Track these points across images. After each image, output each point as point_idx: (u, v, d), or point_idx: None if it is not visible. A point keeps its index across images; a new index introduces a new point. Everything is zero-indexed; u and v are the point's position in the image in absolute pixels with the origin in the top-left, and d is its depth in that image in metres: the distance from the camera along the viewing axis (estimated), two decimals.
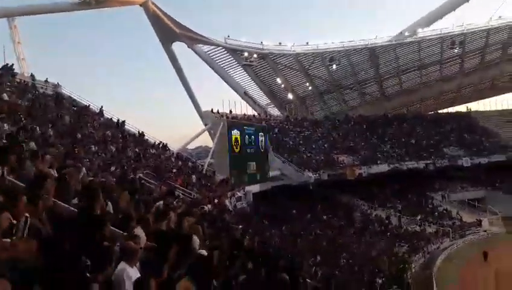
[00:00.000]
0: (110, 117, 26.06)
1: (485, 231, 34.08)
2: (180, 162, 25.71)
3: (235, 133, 31.52)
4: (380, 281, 21.87)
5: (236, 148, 31.22)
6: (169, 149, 27.20)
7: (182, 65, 40.94)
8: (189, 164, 27.66)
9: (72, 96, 26.59)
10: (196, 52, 40.34)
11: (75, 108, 24.43)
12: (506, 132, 48.08)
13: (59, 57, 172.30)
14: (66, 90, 26.89)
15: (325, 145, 41.85)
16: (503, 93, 54.81)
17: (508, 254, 24.65)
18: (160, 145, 26.35)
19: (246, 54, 39.81)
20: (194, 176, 22.45)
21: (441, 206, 38.02)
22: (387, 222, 33.99)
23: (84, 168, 7.64)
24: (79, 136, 18.17)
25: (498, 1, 43.64)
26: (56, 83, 26.88)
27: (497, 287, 20.56)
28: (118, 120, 25.63)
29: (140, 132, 26.19)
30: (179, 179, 20.49)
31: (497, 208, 36.90)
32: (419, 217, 34.73)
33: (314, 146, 41.23)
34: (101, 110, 25.83)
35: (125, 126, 25.81)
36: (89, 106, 25.84)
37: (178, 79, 41.37)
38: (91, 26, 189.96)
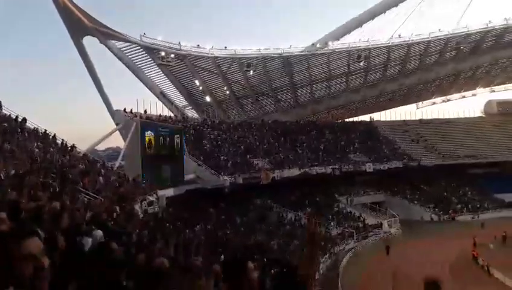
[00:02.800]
0: (8, 113, 23.40)
1: (385, 232, 37.22)
2: (87, 164, 23.98)
3: (149, 134, 30.44)
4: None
5: (150, 150, 30.17)
6: (75, 149, 25.25)
7: (93, 61, 38.62)
8: (98, 165, 25.95)
9: None
10: (109, 49, 38.32)
11: None
12: (403, 141, 53.24)
13: None
14: None
15: (241, 149, 42.40)
16: (402, 105, 60.77)
17: (404, 250, 28.14)
18: (66, 145, 24.36)
19: (162, 53, 38.78)
20: (101, 178, 21.09)
21: (346, 209, 40.67)
22: (297, 224, 35.39)
23: None
24: None
25: (399, 21, 48.34)
26: None
27: (394, 286, 22.46)
28: (17, 116, 23.16)
29: (44, 130, 23.94)
30: (84, 181, 19.10)
31: (395, 211, 40.57)
32: (325, 220, 36.67)
33: (230, 149, 41.53)
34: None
35: (27, 124, 23.39)
36: None
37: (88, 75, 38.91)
38: None
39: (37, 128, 23.37)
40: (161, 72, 42.35)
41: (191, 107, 49.10)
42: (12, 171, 11.36)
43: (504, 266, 23.65)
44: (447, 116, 59.61)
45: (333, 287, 22.64)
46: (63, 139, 24.38)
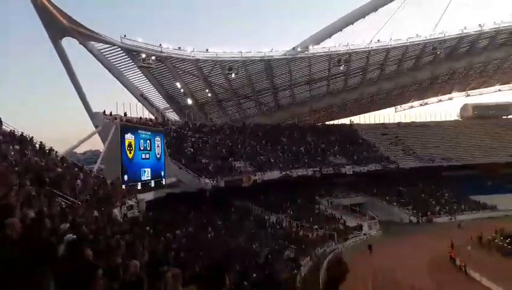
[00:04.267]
0: None
1: (365, 234, 37.67)
2: (65, 167, 23.48)
3: (129, 137, 30.03)
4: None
5: (130, 153, 29.77)
6: (53, 152, 24.71)
7: (72, 63, 37.87)
8: (76, 168, 25.46)
9: None
10: (88, 50, 37.67)
11: None
12: (382, 144, 54.14)
13: None
14: None
15: (223, 152, 42.30)
16: (381, 109, 61.79)
17: (384, 252, 28.84)
18: (44, 148, 23.82)
19: (143, 55, 38.37)
20: (79, 182, 20.69)
21: (326, 211, 41.02)
22: (278, 226, 35.50)
23: None
24: None
25: (377, 26, 49.19)
26: None
27: (373, 285, 22.76)
28: None
29: (21, 132, 23.35)
30: (62, 185, 18.69)
31: (375, 213, 41.14)
32: (306, 222, 36.88)
33: (211, 152, 41.37)
34: None
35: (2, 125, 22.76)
36: None
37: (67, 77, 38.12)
38: None
39: (13, 130, 22.79)
40: (142, 74, 41.87)
41: (172, 110, 48.74)
42: None
43: (480, 266, 24.28)
44: (424, 120, 61.00)
45: (315, 289, 22.75)
46: (41, 142, 23.86)
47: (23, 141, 22.55)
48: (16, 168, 16.65)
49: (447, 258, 28.02)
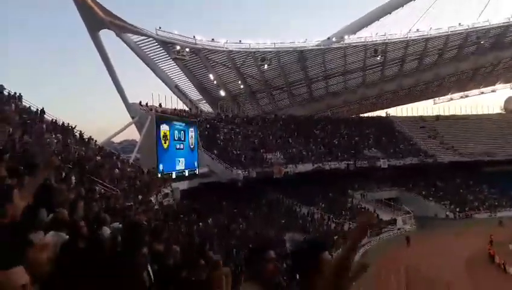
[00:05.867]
0: (28, 105, 23.93)
1: (399, 228, 36.89)
2: (102, 156, 24.36)
3: (164, 127, 30.78)
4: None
5: (165, 143, 30.51)
6: (92, 141, 25.70)
7: (109, 54, 39.02)
8: (114, 158, 26.37)
9: None
10: (125, 42, 38.69)
11: None
12: (419, 137, 52.52)
13: None
14: None
15: (255, 143, 42.46)
16: (418, 101, 59.93)
17: (419, 248, 27.97)
18: (83, 137, 24.81)
19: (177, 47, 38.95)
20: (117, 170, 21.43)
21: (360, 205, 40.41)
22: (310, 219, 35.35)
23: None
24: None
25: (416, 15, 47.48)
26: None
27: (407, 282, 22.31)
28: (37, 109, 23.68)
29: (62, 121, 24.41)
30: (101, 173, 19.42)
31: (410, 207, 40.14)
32: (339, 215, 36.52)
33: (243, 144, 41.63)
34: (20, 97, 23.61)
35: (45, 115, 23.86)
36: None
37: (105, 69, 39.34)
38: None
39: (55, 120, 23.81)
40: (176, 66, 42.59)
41: (205, 101, 49.31)
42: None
43: None
44: (465, 113, 58.56)
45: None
46: (80, 131, 24.81)
47: (65, 130, 23.56)
48: (59, 157, 17.44)
49: (486, 255, 27.01)
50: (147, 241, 5.46)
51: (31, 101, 23.86)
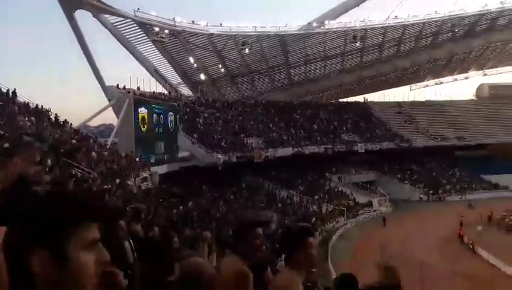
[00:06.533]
0: None
1: (375, 210, 37.91)
2: (79, 139, 23.95)
3: (143, 111, 30.44)
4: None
5: (144, 127, 30.21)
6: (68, 124, 25.18)
7: (86, 36, 37.89)
8: (91, 141, 25.96)
9: None
10: (102, 23, 37.62)
11: None
12: (395, 123, 53.64)
13: None
14: None
15: (235, 128, 42.50)
16: (395, 87, 60.98)
17: (394, 226, 29.45)
18: (58, 120, 24.27)
19: (156, 29, 38.21)
20: (94, 154, 21.15)
21: (337, 188, 41.23)
22: (289, 201, 35.91)
23: None
24: None
25: (395, 2, 47.88)
26: None
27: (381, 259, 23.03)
28: (8, 90, 22.97)
29: (36, 104, 23.79)
30: (77, 157, 19.13)
31: (385, 190, 41.22)
32: (317, 198, 37.21)
33: (224, 128, 41.60)
34: None
35: (18, 97, 23.20)
36: None
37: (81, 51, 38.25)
38: None
39: (28, 102, 23.22)
40: (155, 49, 41.84)
41: (185, 85, 48.81)
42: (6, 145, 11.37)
43: (489, 244, 24.36)
44: (439, 99, 60.02)
45: (323, 262, 23.19)
46: (56, 114, 24.28)
47: (39, 113, 23.01)
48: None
49: (456, 236, 28.17)
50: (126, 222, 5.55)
51: None
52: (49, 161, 14.16)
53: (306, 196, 36.96)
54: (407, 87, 61.98)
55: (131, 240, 4.40)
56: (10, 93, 22.87)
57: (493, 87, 61.22)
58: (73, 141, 21.87)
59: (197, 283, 1.84)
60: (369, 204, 38.46)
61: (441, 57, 54.23)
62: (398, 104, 57.91)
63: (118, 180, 18.86)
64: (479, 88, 62.65)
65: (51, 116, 24.16)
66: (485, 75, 63.21)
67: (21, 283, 0.78)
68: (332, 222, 33.14)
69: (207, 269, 1.99)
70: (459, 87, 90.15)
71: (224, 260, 2.76)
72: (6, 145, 13.23)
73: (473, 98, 62.89)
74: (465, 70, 61.74)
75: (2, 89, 23.03)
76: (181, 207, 26.27)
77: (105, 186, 15.72)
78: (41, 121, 21.88)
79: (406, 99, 59.50)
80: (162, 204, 22.19)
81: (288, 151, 41.01)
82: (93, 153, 21.79)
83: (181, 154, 34.28)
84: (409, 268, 16.92)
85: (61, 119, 24.76)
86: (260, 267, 2.72)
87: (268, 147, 40.07)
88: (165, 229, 7.10)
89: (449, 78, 62.71)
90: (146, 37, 39.59)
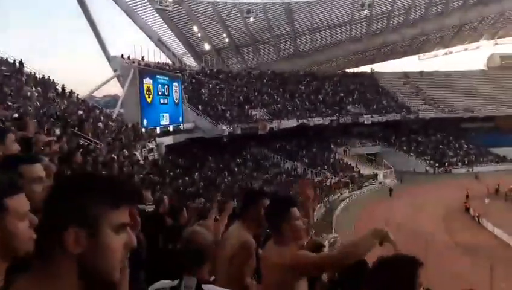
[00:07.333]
0: (5, 57, 22.90)
1: (380, 183, 37.98)
2: (85, 110, 23.86)
3: (148, 81, 30.13)
4: None
5: (149, 97, 30.00)
6: (74, 95, 25.01)
7: (89, 5, 37.00)
8: (97, 111, 25.85)
9: None
10: None
11: None
12: (402, 93, 52.89)
13: None
14: None
15: (240, 99, 42.15)
16: (403, 57, 59.77)
17: (400, 199, 29.64)
18: (64, 91, 24.10)
19: None
20: (100, 124, 21.11)
21: (342, 160, 41.22)
22: (293, 173, 36.01)
23: None
24: None
25: None
26: None
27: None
28: (15, 60, 22.74)
29: (42, 74, 23.59)
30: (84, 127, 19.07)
31: (391, 163, 41.14)
32: (321, 169, 37.25)
33: (228, 99, 41.27)
34: None
35: (24, 68, 22.97)
36: None
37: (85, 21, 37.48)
38: None
39: (35, 72, 23.04)
40: (159, 17, 40.99)
41: (189, 55, 48.12)
42: (15, 115, 11.33)
43: (494, 217, 24.47)
44: (448, 69, 58.86)
45: (327, 233, 23.42)
46: (63, 85, 24.13)
47: (46, 84, 22.84)
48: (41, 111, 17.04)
49: (462, 208, 28.28)
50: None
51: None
52: (57, 131, 14.17)
53: (310, 168, 37.00)
54: (415, 57, 60.79)
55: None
56: (17, 63, 22.66)
57: (504, 57, 59.80)
58: (80, 112, 21.80)
59: (197, 251, 1.94)
60: (374, 176, 38.51)
61: (452, 25, 52.71)
62: (406, 74, 56.94)
63: (125, 151, 18.87)
64: (490, 58, 61.29)
65: (57, 87, 24.01)
66: (496, 44, 61.62)
67: None
68: (337, 193, 33.30)
69: (207, 237, 2.05)
70: (468, 58, 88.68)
71: (231, 229, 2.79)
72: (16, 115, 13.20)
73: (483, 68, 61.60)
74: (476, 39, 60.16)
75: (9, 60, 22.82)
76: (187, 178, 26.44)
77: (113, 156, 15.73)
78: (48, 92, 21.75)
79: (413, 70, 58.44)
80: (169, 175, 22.32)
81: (293, 123, 40.78)
82: (100, 124, 21.74)
83: (186, 126, 34.20)
84: (414, 239, 17.09)
85: (68, 89, 24.63)
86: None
87: (273, 119, 39.84)
88: (174, 201, 7.11)
89: (459, 47, 61.25)
90: (150, 6, 38.70)
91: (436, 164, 44.02)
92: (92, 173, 2.26)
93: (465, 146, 47.95)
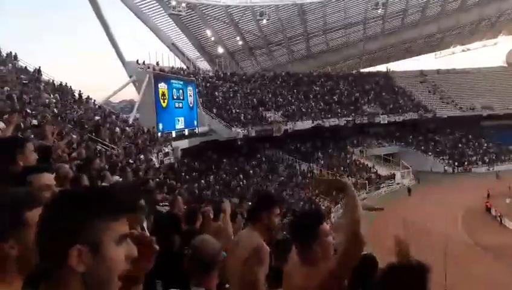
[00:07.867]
0: (24, 65, 23.49)
1: (398, 183, 37.41)
2: (102, 115, 24.22)
3: (162, 86, 30.43)
4: None
5: (164, 102, 30.28)
6: (90, 101, 25.44)
7: (104, 12, 37.59)
8: (113, 117, 26.21)
9: None
10: None
11: None
12: (419, 92, 52.08)
13: None
14: None
15: (254, 101, 42.17)
16: (420, 55, 58.93)
17: (418, 199, 29.03)
18: (81, 97, 24.54)
19: (173, 2, 37.63)
20: (117, 129, 21.40)
21: (358, 161, 40.78)
22: (309, 175, 35.78)
23: None
24: None
25: None
26: None
27: (403, 231, 22.85)
28: (34, 68, 23.29)
29: (60, 82, 24.09)
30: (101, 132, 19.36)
31: (408, 163, 40.50)
32: (338, 171, 36.91)
33: (242, 102, 41.34)
34: (15, 56, 23.13)
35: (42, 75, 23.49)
36: None
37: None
38: None
39: (53, 80, 23.52)
40: (172, 22, 41.43)
41: (203, 59, 48.43)
42: (34, 122, 11.55)
43: None
44: (466, 66, 57.73)
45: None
46: (79, 91, 24.56)
47: (63, 90, 23.29)
48: (59, 117, 17.36)
49: (483, 208, 27.63)
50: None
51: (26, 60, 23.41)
52: (74, 137, 14.40)
53: (326, 170, 36.71)
54: (431, 55, 59.86)
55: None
56: (36, 71, 23.18)
57: None
58: (97, 118, 22.14)
59: (205, 259, 1.99)
60: (392, 177, 37.97)
61: (470, 21, 51.71)
62: (422, 73, 56.07)
63: (141, 156, 19.09)
64: (509, 54, 59.83)
65: (74, 93, 24.46)
66: None
67: None
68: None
69: (215, 246, 2.09)
70: (487, 54, 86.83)
71: (243, 232, 2.76)
72: (35, 122, 13.48)
73: (503, 64, 60.17)
74: (494, 35, 58.91)
75: (28, 68, 23.37)
76: (202, 181, 26.57)
77: (129, 161, 15.91)
78: (66, 98, 22.16)
79: (430, 68, 57.51)
80: (185, 178, 22.45)
81: (307, 124, 40.57)
82: (117, 129, 22.05)
83: (201, 129, 34.42)
84: (433, 240, 16.77)
85: (84, 95, 25.06)
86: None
87: (288, 120, 39.72)
88: (189, 204, 7.15)
89: (477, 44, 60.07)
90: (163, 11, 39.14)
91: (455, 163, 43.15)
92: (86, 187, 2.26)
93: (485, 145, 46.85)
